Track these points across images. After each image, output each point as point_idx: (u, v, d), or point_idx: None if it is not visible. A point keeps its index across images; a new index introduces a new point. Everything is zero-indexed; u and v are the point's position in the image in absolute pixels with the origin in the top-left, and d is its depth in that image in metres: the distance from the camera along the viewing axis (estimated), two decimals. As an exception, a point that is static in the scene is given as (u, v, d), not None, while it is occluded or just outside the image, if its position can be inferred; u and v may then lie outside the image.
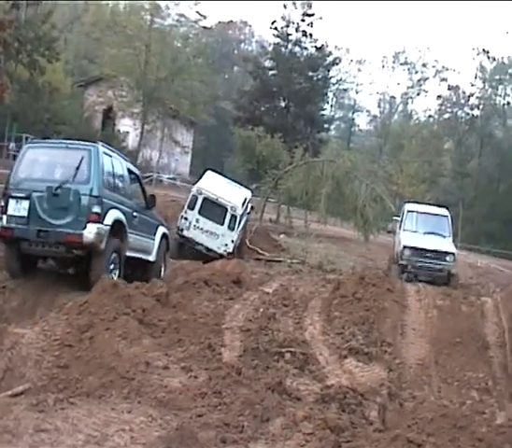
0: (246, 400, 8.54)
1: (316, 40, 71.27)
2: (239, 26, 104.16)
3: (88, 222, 13.13)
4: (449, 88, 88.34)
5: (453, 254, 23.16)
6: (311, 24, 69.72)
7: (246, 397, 8.66)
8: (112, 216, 13.67)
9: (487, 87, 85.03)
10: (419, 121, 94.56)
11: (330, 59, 73.47)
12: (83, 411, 7.68)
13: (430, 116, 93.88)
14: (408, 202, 29.22)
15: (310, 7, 68.94)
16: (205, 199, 24.72)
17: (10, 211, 13.33)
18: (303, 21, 69.61)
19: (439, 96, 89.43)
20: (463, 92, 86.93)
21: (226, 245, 24.45)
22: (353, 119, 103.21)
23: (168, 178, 53.34)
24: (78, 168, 13.37)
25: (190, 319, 12.24)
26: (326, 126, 77.36)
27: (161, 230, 17.15)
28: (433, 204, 30.35)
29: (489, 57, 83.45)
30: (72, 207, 13.13)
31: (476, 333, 13.90)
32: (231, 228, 24.69)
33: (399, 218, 49.77)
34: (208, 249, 24.40)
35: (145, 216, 16.03)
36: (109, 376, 9.23)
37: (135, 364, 9.57)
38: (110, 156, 14.43)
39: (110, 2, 63.73)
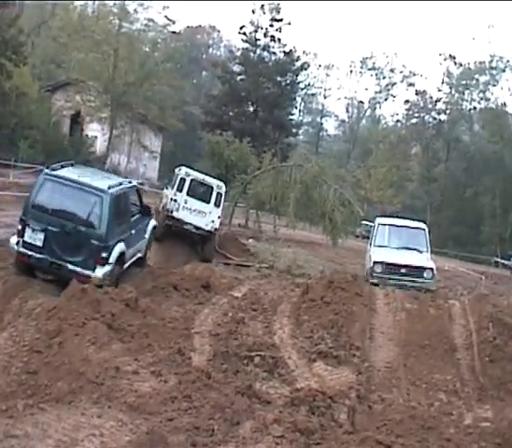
0: (216, 404, 8.57)
1: (284, 45, 71.40)
2: (208, 31, 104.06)
3: (96, 265, 14.47)
4: (417, 93, 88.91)
5: (432, 269, 20.46)
6: (279, 29, 69.87)
7: (216, 400, 8.69)
8: (117, 251, 15.03)
9: (453, 92, 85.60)
10: (387, 126, 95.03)
11: (298, 64, 73.57)
12: (53, 416, 7.67)
13: (397, 120, 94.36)
14: (380, 216, 27.05)
15: (278, 12, 69.10)
16: (192, 180, 26.25)
17: (27, 238, 14.57)
18: (271, 26, 69.72)
19: (407, 101, 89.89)
20: (431, 97, 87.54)
21: (213, 221, 26.09)
22: (321, 124, 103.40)
23: (137, 183, 53.18)
24: (90, 213, 14.65)
25: (159, 324, 12.26)
26: (294, 131, 77.46)
27: (151, 224, 18.87)
28: (408, 218, 26.88)
29: (455, 62, 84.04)
30: (83, 248, 14.46)
31: (444, 336, 14.02)
32: (217, 205, 26.34)
33: (366, 222, 50.18)
34: (197, 227, 25.85)
35: (140, 223, 17.66)
36: (79, 381, 9.21)
37: (104, 369, 9.57)
38: (118, 194, 15.59)
39: (78, 5, 63.48)
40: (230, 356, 10.96)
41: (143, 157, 58.71)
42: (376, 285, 18.92)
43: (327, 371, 10.75)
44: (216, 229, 26.39)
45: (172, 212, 25.52)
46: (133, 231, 16.60)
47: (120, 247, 15.24)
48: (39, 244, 14.50)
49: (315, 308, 14.02)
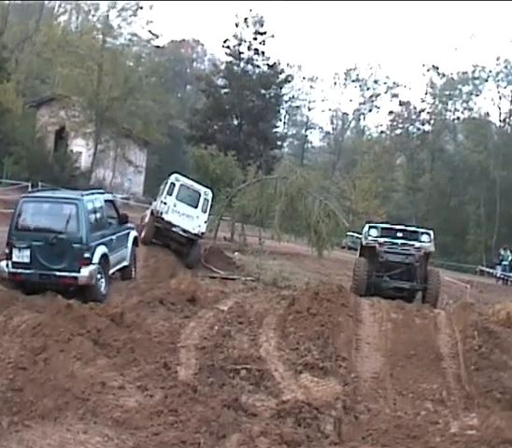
0: (202, 418, 8.58)
1: (268, 58, 71.57)
2: (192, 45, 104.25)
3: (81, 266, 15.55)
4: (401, 104, 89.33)
5: (428, 234, 19.62)
6: (263, 42, 70.09)
7: (202, 414, 8.70)
8: (99, 253, 16.12)
9: (437, 102, 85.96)
10: (372, 137, 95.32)
11: (282, 76, 73.73)
12: (38, 433, 7.66)
13: (382, 131, 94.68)
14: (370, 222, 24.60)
15: (262, 25, 69.34)
16: (181, 185, 27.67)
17: (14, 258, 15.66)
18: (255, 39, 69.94)
19: (391, 112, 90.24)
20: (414, 108, 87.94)
21: (200, 225, 27.35)
22: (306, 136, 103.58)
23: (122, 198, 53.05)
24: (68, 220, 15.84)
25: (145, 338, 12.25)
26: (279, 143, 77.51)
27: (132, 235, 19.70)
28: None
29: (438, 73, 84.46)
30: (66, 254, 15.54)
31: (430, 345, 14.07)
32: (203, 210, 27.74)
33: (352, 234, 50.30)
34: (184, 230, 26.97)
35: (119, 232, 18.49)
36: (64, 398, 9.20)
37: (90, 385, 9.57)
38: (91, 200, 16.86)
39: (62, 21, 63.52)
40: (216, 369, 10.96)
41: (128, 171, 58.71)
42: (372, 247, 19.29)
43: (313, 383, 10.76)
44: (202, 233, 27.61)
45: (162, 214, 26.68)
46: (113, 237, 17.58)
47: (101, 250, 16.29)
48: (27, 260, 15.56)
49: (301, 320, 14.03)
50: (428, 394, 11.97)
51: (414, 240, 19.29)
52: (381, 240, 19.20)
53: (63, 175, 45.96)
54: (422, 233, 19.53)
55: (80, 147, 53.37)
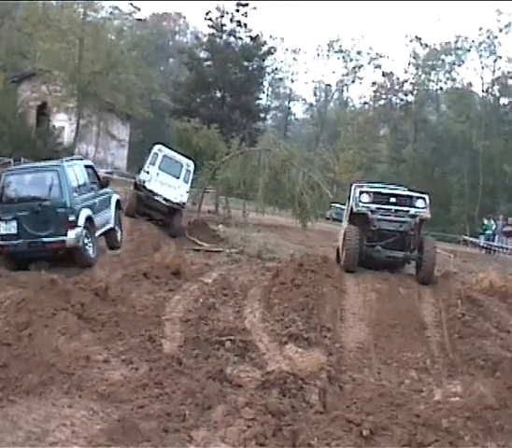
0: (187, 390, 8.61)
1: (250, 30, 71.30)
2: (173, 18, 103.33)
3: (67, 229, 16.00)
4: (384, 74, 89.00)
5: (424, 198, 17.88)
6: (245, 14, 69.73)
7: (187, 386, 8.72)
8: (83, 216, 16.51)
9: (420, 73, 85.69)
10: (355, 108, 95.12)
11: (265, 48, 73.43)
12: (23, 408, 7.66)
13: (365, 103, 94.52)
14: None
15: (244, -4, 69.03)
16: (164, 156, 28.42)
17: (2, 231, 16.06)
18: (237, 11, 69.56)
19: (374, 83, 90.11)
20: (397, 79, 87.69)
21: (181, 195, 28.03)
22: (289, 108, 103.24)
23: (105, 173, 52.81)
24: (51, 187, 16.24)
25: (129, 312, 12.27)
26: (262, 116, 77.36)
27: (114, 198, 19.99)
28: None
29: (421, 44, 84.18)
30: (52, 220, 15.99)
31: (414, 314, 14.17)
32: (185, 181, 28.46)
33: (336, 205, 50.26)
34: (166, 199, 27.57)
35: (101, 195, 18.81)
36: (49, 373, 9.19)
37: (75, 359, 9.56)
38: (72, 166, 17.37)
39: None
40: (201, 341, 10.99)
41: (111, 146, 58.36)
42: (363, 214, 17.32)
43: (298, 354, 10.78)
44: (183, 203, 28.33)
45: (144, 182, 27.34)
46: (95, 201, 17.98)
47: (85, 212, 16.68)
48: (14, 231, 15.99)
49: (285, 291, 14.10)
50: (412, 363, 12.06)
51: (408, 206, 17.58)
52: (373, 206, 17.30)
53: (45, 151, 45.57)
54: (417, 198, 17.81)
55: (63, 122, 52.93)
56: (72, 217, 16.12)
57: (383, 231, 17.52)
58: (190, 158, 30.19)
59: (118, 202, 20.34)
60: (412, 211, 17.49)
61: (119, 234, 20.45)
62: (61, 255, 16.51)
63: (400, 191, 18.49)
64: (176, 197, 27.84)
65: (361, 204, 17.38)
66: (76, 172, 17.39)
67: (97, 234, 17.87)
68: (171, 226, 27.49)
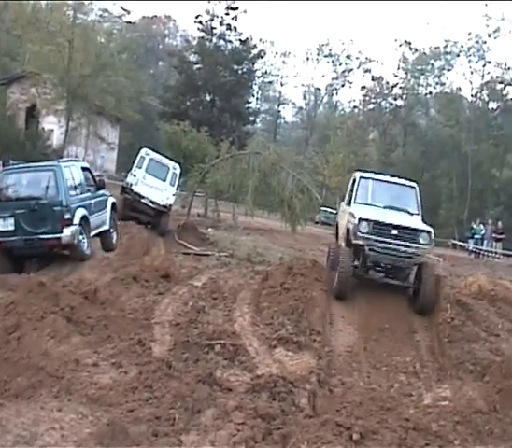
0: (177, 393, 8.58)
1: (240, 33, 71.50)
2: (163, 21, 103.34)
3: (63, 227, 16.52)
4: (373, 79, 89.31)
5: (429, 233, 15.80)
6: (235, 18, 69.92)
7: (176, 389, 8.70)
8: (79, 215, 17.10)
9: (409, 77, 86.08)
10: (345, 112, 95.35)
11: (254, 52, 73.62)
12: (12, 411, 7.61)
13: (355, 107, 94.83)
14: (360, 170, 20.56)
15: (234, 0, 69.07)
16: (151, 159, 29.18)
17: (0, 228, 16.53)
18: (227, 14, 69.75)
19: (363, 87, 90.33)
20: (387, 83, 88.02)
21: (168, 198, 28.75)
22: (279, 112, 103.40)
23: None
24: (47, 186, 16.77)
25: (119, 315, 12.22)
26: (252, 119, 77.46)
27: (110, 201, 20.51)
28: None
29: (411, 48, 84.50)
30: (48, 217, 16.49)
31: (403, 318, 14.20)
32: (172, 184, 29.23)
33: (326, 209, 50.26)
34: (152, 202, 28.34)
35: (97, 197, 19.32)
36: (38, 376, 9.16)
37: (64, 363, 9.52)
38: (68, 166, 17.99)
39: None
40: (190, 345, 10.97)
41: (100, 149, 58.32)
42: (360, 246, 15.66)
43: (288, 357, 10.80)
44: (170, 205, 29.03)
45: (131, 185, 28.02)
46: (91, 202, 18.50)
47: (81, 212, 17.28)
48: (12, 228, 16.49)
49: (275, 295, 14.09)
50: (401, 366, 12.11)
51: (411, 240, 15.57)
52: (372, 239, 15.49)
53: (34, 153, 45.48)
54: (421, 232, 15.73)
55: (52, 125, 52.86)
56: (67, 215, 16.66)
57: (380, 263, 16.12)
58: (176, 161, 30.74)
59: (113, 204, 20.75)
60: (413, 248, 15.55)
61: (114, 236, 20.82)
62: (56, 251, 17.17)
63: (403, 221, 16.08)
64: (162, 200, 28.48)
65: (358, 235, 15.59)
66: (72, 172, 17.97)
67: (92, 234, 18.35)
68: (158, 226, 28.28)
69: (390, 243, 15.50)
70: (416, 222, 16.48)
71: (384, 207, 17.02)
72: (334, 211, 40.01)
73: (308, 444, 7.17)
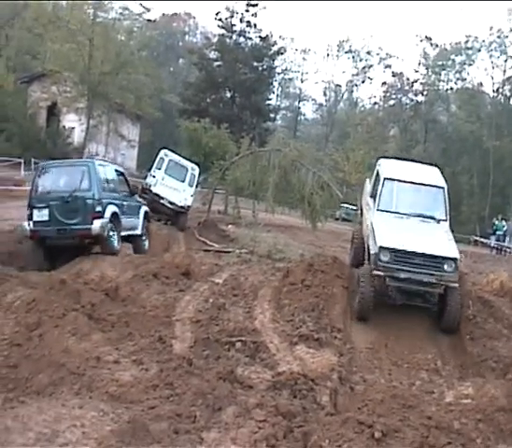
0: (197, 391, 8.57)
1: (260, 30, 71.45)
2: (183, 18, 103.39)
3: (93, 219, 17.07)
4: (394, 75, 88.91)
5: (454, 260, 14.16)
6: (255, 15, 69.86)
7: (197, 387, 8.69)
8: (110, 210, 17.64)
9: (430, 73, 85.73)
10: (365, 109, 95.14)
11: (274, 49, 73.55)
12: (33, 408, 7.62)
13: (375, 103, 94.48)
14: (383, 157, 19.27)
15: (254, -3, 69.06)
16: (170, 160, 29.83)
17: (35, 218, 17.29)
18: (247, 11, 69.69)
19: (384, 83, 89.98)
20: (407, 79, 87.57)
21: (186, 199, 29.45)
22: (299, 108, 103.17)
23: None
24: (81, 180, 17.46)
25: (139, 313, 12.25)
26: (272, 116, 77.46)
27: (143, 209, 21.07)
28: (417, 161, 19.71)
29: (431, 44, 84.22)
30: (80, 209, 17.17)
31: (424, 315, 14.11)
32: (190, 185, 29.88)
33: (346, 205, 50.07)
34: (171, 202, 28.98)
35: (130, 201, 19.95)
36: (60, 373, 9.19)
37: (85, 360, 9.55)
38: (103, 165, 18.89)
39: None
40: (211, 342, 10.97)
41: (121, 146, 58.51)
42: (382, 278, 14.12)
43: (309, 354, 10.77)
44: (188, 206, 29.70)
45: (150, 186, 28.48)
46: (124, 203, 18.99)
47: (112, 208, 17.81)
48: (46, 218, 17.16)
49: (295, 292, 14.04)
50: (423, 364, 12.06)
51: (435, 269, 14.04)
52: (393, 268, 14.05)
53: (55, 151, 45.74)
54: (446, 260, 14.15)
55: (73, 123, 53.07)
56: (98, 208, 17.29)
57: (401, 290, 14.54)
58: (196, 159, 31.26)
59: (146, 213, 21.23)
60: (438, 277, 14.02)
61: (146, 244, 21.10)
62: (86, 245, 17.78)
63: (427, 245, 14.42)
64: (180, 201, 29.16)
65: (379, 264, 14.10)
66: (106, 172, 18.66)
67: (123, 234, 18.77)
68: (177, 223, 28.88)
69: (412, 272, 14.02)
70: (442, 244, 14.73)
71: (409, 215, 15.51)
72: (355, 207, 39.94)
73: (330, 442, 7.14)
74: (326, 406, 8.85)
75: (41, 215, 17.23)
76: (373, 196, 16.39)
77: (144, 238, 20.86)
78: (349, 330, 13.12)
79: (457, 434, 7.68)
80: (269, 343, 11.30)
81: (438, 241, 14.81)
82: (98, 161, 19.24)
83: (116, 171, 19.87)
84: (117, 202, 18.47)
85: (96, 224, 17.05)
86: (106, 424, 7.47)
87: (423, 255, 14.10)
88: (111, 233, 17.78)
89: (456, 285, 13.93)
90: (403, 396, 8.76)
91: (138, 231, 20.25)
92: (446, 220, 15.72)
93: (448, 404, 9.11)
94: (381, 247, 14.15)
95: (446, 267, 14.09)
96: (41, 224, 17.20)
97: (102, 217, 17.31)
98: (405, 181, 16.08)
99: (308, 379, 9.37)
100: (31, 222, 17.38)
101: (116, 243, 18.08)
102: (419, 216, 15.55)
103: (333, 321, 12.71)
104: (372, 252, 14.53)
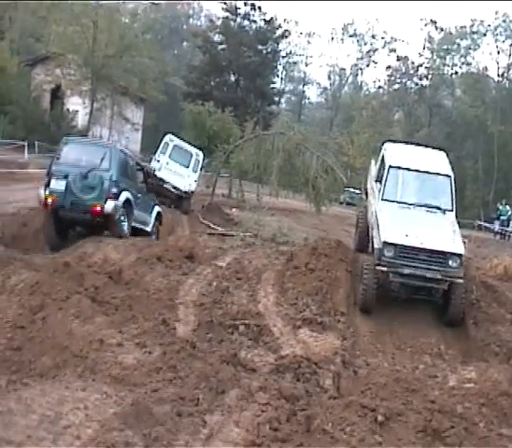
0: (201, 374, 8.58)
1: (265, 13, 71.17)
2: (188, 1, 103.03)
3: (107, 199, 17.39)
4: (398, 58, 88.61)
5: (459, 256, 13.82)
6: (259, -3, 69.54)
7: (201, 370, 8.70)
8: (124, 195, 17.99)
9: (435, 57, 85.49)
10: (369, 92, 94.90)
11: (279, 32, 73.26)
12: (36, 391, 7.63)
13: (379, 87, 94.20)
14: (389, 141, 18.83)
15: (258, -20, 68.75)
16: (175, 146, 30.07)
17: (52, 186, 17.51)
18: (251, -6, 69.38)
19: (388, 67, 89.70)
20: (412, 63, 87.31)
21: (190, 184, 29.55)
22: (303, 92, 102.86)
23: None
24: (102, 160, 17.77)
25: (143, 295, 12.24)
26: (276, 99, 77.31)
27: (156, 209, 21.29)
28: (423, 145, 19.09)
29: (436, 27, 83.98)
30: (97, 187, 17.40)
31: (429, 303, 14.08)
32: (194, 170, 30.05)
33: (351, 189, 49.98)
34: (174, 187, 29.14)
35: (145, 197, 20.32)
36: (63, 356, 9.19)
37: (88, 342, 9.54)
38: (125, 154, 19.39)
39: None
40: (214, 325, 10.99)
41: (125, 129, 58.27)
42: (385, 274, 13.86)
43: (312, 338, 10.79)
44: (192, 191, 29.80)
45: (154, 171, 27.81)
46: (139, 195, 19.32)
47: (126, 194, 18.11)
48: (62, 188, 17.35)
49: (299, 275, 14.03)
50: (426, 348, 12.07)
51: (440, 264, 13.77)
52: (397, 263, 13.75)
53: (59, 134, 45.54)
54: (452, 256, 13.83)
55: (77, 106, 52.87)
56: (114, 190, 17.64)
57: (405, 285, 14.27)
58: (200, 144, 31.08)
59: (159, 214, 21.44)
60: (443, 273, 13.71)
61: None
62: (96, 223, 17.86)
63: (432, 240, 14.07)
64: (184, 186, 29.24)
65: (383, 259, 13.84)
66: (127, 158, 19.20)
67: (134, 224, 18.98)
68: (181, 207, 28.89)
69: (416, 267, 13.75)
70: (447, 238, 14.34)
71: (414, 205, 15.18)
72: (359, 191, 39.84)
73: (333, 426, 7.14)
74: (329, 389, 8.87)
75: (58, 184, 17.47)
76: (378, 180, 16.07)
77: (153, 238, 20.56)
78: (353, 314, 13.12)
79: (460, 418, 7.68)
80: (272, 326, 11.31)
81: (443, 235, 14.44)
82: (121, 148, 19.84)
83: (137, 164, 20.59)
84: (133, 192, 18.75)
85: (110, 204, 17.37)
86: (110, 406, 7.47)
87: (428, 250, 13.83)
88: (122, 218, 18.09)
89: (461, 281, 13.62)
90: (406, 380, 8.77)
91: (148, 229, 20.44)
92: (452, 210, 15.35)
93: (451, 388, 9.12)
94: (385, 243, 13.87)
95: (451, 263, 13.79)
96: (57, 193, 17.43)
97: (116, 199, 17.63)
98: (410, 169, 15.69)
99: (311, 362, 9.39)
100: (47, 190, 17.63)
101: (125, 228, 18.32)
102: (424, 206, 15.20)
103: (336, 305, 12.72)
104: (376, 246, 14.30)
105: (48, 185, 17.72)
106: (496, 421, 8.03)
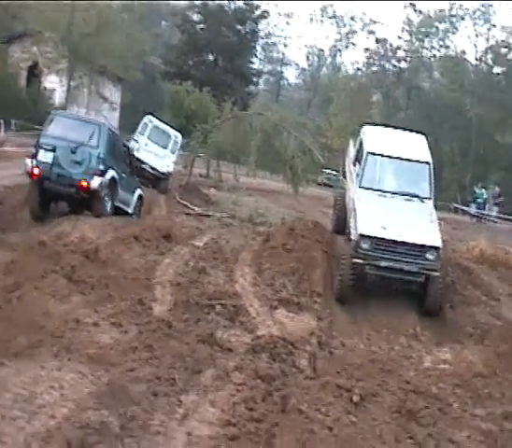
0: (177, 353, 8.57)
1: (244, -7, 70.63)
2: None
3: (94, 175, 17.49)
4: (377, 41, 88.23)
5: (437, 248, 13.62)
6: (239, -23, 69.11)
7: (177, 349, 8.69)
8: (110, 174, 18.12)
9: (413, 40, 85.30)
10: (348, 74, 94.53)
11: (258, 12, 72.80)
12: (12, 370, 7.57)
13: (358, 69, 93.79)
14: (367, 124, 18.77)
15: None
16: (154, 126, 30.29)
17: (39, 157, 17.54)
18: (230, -27, 68.94)
19: (367, 49, 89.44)
20: (391, 45, 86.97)
21: (168, 165, 29.83)
22: (282, 73, 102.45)
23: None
24: (91, 136, 17.86)
25: (119, 275, 12.18)
26: (255, 80, 76.85)
27: (138, 191, 21.39)
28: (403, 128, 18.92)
29: (415, 10, 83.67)
30: (84, 162, 17.54)
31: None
32: (172, 152, 30.35)
33: (328, 171, 50.02)
34: (153, 168, 29.20)
35: (129, 178, 20.40)
36: (39, 335, 9.12)
37: (64, 322, 9.50)
38: (113, 132, 19.47)
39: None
40: (191, 305, 10.97)
41: (103, 108, 57.77)
42: (361, 266, 13.57)
43: (288, 318, 10.82)
44: (169, 172, 29.98)
45: (133, 151, 27.57)
46: (123, 176, 19.36)
47: (112, 173, 18.22)
48: (50, 160, 17.41)
49: (276, 256, 14.06)
50: (402, 329, 12.14)
51: (417, 257, 13.59)
52: (373, 255, 13.55)
53: (36, 113, 45.24)
54: (429, 249, 13.64)
55: (54, 84, 52.32)
56: (101, 167, 17.74)
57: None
58: (178, 125, 31.79)
59: (140, 196, 21.48)
60: (420, 266, 13.55)
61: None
62: (81, 199, 17.92)
63: (409, 232, 13.82)
64: (162, 167, 29.42)
65: (359, 251, 13.56)
66: (114, 137, 19.38)
67: (116, 204, 18.98)
68: (158, 188, 28.76)
69: (393, 260, 13.54)
70: (424, 231, 14.09)
71: (392, 194, 14.96)
72: (336, 173, 39.90)
73: (308, 406, 7.15)
74: (305, 370, 8.89)
75: (46, 156, 17.48)
76: (356, 162, 15.93)
77: (133, 218, 20.03)
78: (330, 295, 13.14)
79: (434, 398, 7.75)
80: (249, 306, 11.32)
81: (421, 227, 14.23)
82: (111, 127, 19.91)
83: (124, 145, 20.79)
84: (119, 171, 18.84)
85: (96, 180, 17.45)
86: (85, 386, 7.43)
87: (405, 243, 13.60)
88: (107, 195, 18.18)
89: (437, 273, 13.43)
90: (381, 360, 8.84)
91: (130, 210, 20.39)
92: (430, 198, 15.18)
93: (426, 369, 9.21)
94: (361, 235, 13.61)
95: (428, 255, 13.60)
96: (44, 165, 17.46)
97: (103, 176, 17.73)
98: (390, 156, 15.46)
99: (288, 343, 9.41)
100: (34, 160, 17.63)
101: (108, 206, 18.36)
102: (402, 194, 15.01)
103: (313, 285, 12.76)
104: (352, 238, 13.97)
105: (35, 156, 17.71)
106: (470, 401, 8.11)
